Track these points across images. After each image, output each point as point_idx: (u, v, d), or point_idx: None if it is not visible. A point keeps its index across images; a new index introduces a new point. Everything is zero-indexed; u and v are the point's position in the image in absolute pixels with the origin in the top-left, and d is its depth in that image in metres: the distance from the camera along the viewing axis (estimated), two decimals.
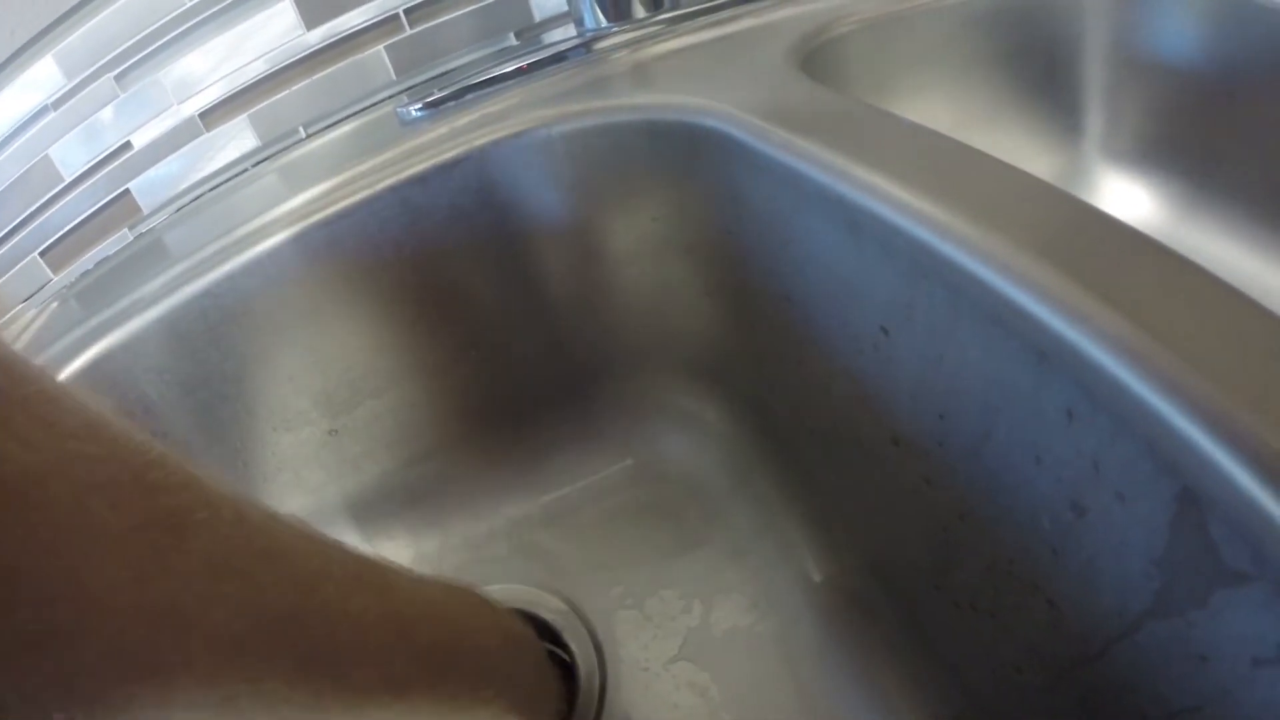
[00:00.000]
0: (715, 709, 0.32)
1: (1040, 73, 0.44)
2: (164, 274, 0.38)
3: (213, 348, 0.36)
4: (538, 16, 0.48)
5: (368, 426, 0.40)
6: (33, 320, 0.46)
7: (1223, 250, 0.40)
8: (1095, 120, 0.45)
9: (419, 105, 0.40)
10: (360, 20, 0.45)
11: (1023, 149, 0.45)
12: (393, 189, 0.36)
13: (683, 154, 0.34)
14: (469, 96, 0.40)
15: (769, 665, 0.32)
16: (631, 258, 0.38)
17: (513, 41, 0.48)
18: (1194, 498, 0.15)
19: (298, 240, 0.36)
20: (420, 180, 0.36)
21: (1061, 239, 0.18)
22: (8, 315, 0.52)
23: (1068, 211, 0.20)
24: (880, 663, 0.31)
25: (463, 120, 0.38)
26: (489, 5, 0.47)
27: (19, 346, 0.44)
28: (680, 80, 0.36)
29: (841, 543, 0.34)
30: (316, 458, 0.39)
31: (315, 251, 0.37)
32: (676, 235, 0.37)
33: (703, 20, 0.41)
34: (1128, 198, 0.44)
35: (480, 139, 0.36)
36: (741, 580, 0.35)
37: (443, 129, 0.38)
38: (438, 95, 0.41)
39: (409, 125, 0.41)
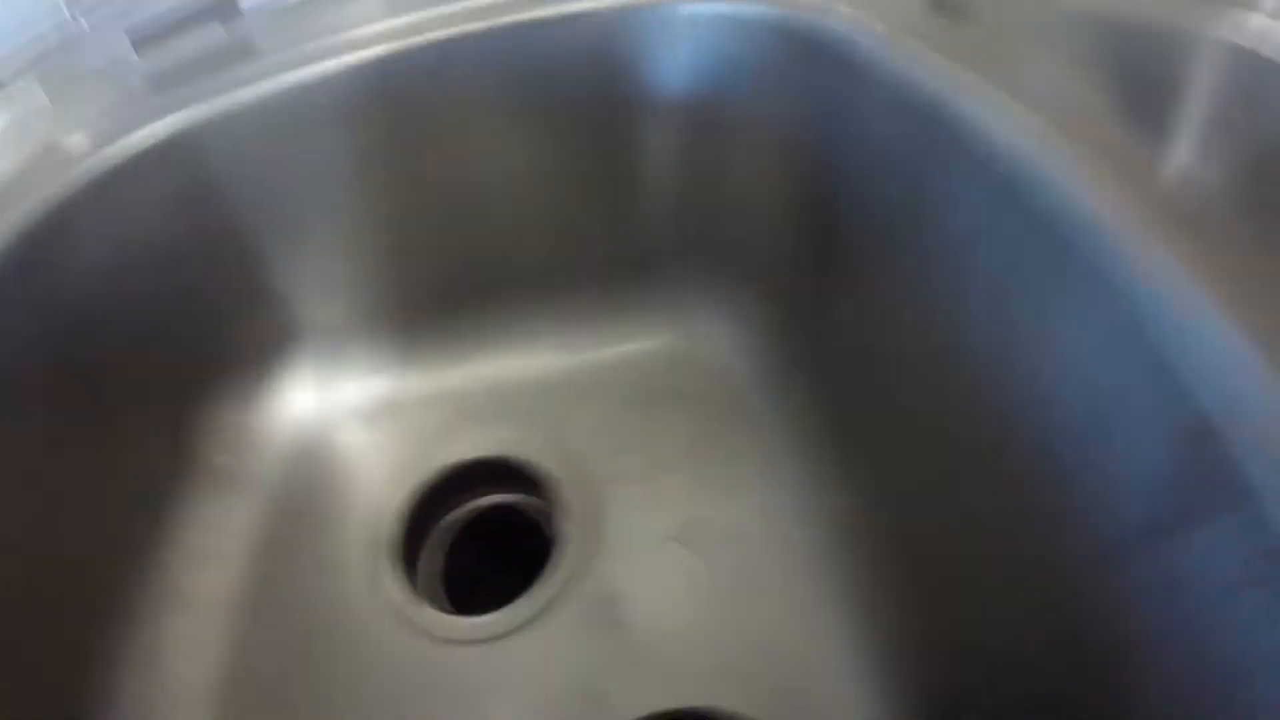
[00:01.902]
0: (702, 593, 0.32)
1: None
2: (251, 65, 0.38)
3: (292, 142, 0.36)
4: None
5: (419, 258, 0.40)
6: (109, 94, 0.46)
7: None
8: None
9: None
10: None
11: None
12: (513, 28, 0.35)
13: (800, 58, 0.32)
14: None
15: (762, 565, 0.32)
16: (725, 149, 0.37)
17: None
18: None
19: (400, 57, 0.36)
20: (542, 25, 0.35)
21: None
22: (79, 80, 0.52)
23: None
24: (870, 592, 0.30)
25: None
26: None
27: (93, 117, 0.45)
28: None
29: (863, 480, 0.33)
30: (373, 269, 0.40)
31: (414, 71, 0.36)
32: (779, 140, 0.35)
33: None
34: None
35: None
36: (758, 483, 0.35)
37: None
38: None
39: None
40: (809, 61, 0.32)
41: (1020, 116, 0.23)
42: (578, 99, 0.36)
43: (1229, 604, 0.16)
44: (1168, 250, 0.18)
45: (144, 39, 0.48)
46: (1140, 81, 0.33)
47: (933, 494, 0.28)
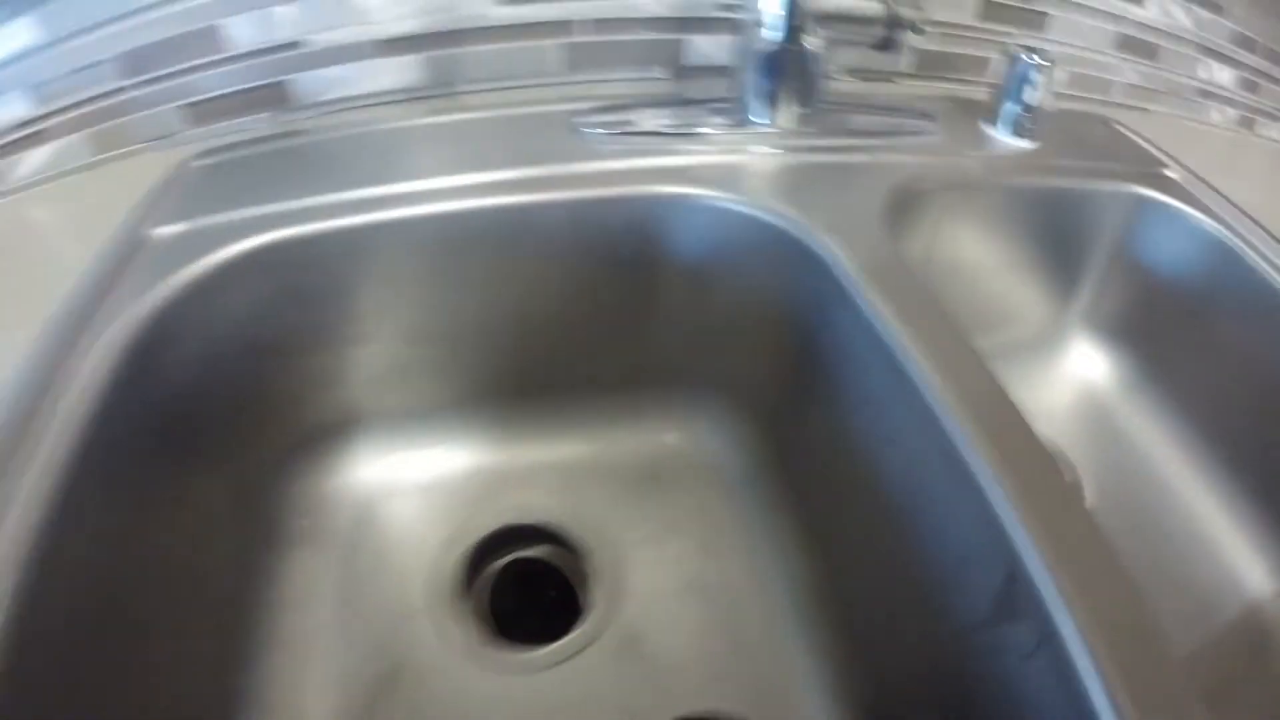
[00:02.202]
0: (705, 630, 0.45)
1: (1056, 244, 0.58)
2: (313, 197, 0.46)
3: (369, 263, 0.46)
4: (686, 61, 0.57)
5: (472, 360, 0.51)
6: (168, 179, 0.52)
7: (1147, 427, 0.57)
8: (1085, 292, 0.60)
9: (602, 129, 0.50)
10: (545, 15, 0.53)
11: (1024, 296, 0.60)
12: (572, 200, 0.46)
13: (795, 257, 0.46)
14: (640, 138, 0.50)
15: (748, 609, 0.46)
16: (726, 300, 0.50)
17: (660, 76, 0.57)
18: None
19: (478, 212, 0.46)
20: (595, 201, 0.46)
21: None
22: (128, 149, 0.56)
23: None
24: (824, 630, 0.45)
25: (639, 163, 0.48)
26: (649, 41, 0.56)
27: (146, 188, 0.50)
28: (803, 195, 0.47)
29: (818, 550, 0.48)
30: (431, 367, 0.50)
31: (487, 224, 0.46)
32: (772, 307, 0.48)
33: (826, 143, 0.52)
34: (1088, 361, 0.61)
35: (653, 187, 0.46)
36: (743, 549, 0.49)
37: (618, 164, 0.48)
38: (618, 126, 0.50)
39: (584, 139, 0.50)
40: (790, 255, 0.45)
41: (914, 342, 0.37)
42: (617, 255, 0.48)
43: (1023, 665, 0.30)
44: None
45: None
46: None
47: (864, 569, 0.43)
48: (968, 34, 0.62)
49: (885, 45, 0.49)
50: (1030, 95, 0.54)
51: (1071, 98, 0.67)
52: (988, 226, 0.55)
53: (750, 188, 0.47)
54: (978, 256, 0.56)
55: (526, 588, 0.49)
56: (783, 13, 0.47)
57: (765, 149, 0.51)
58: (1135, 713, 0.25)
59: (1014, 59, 0.53)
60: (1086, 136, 0.60)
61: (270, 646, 0.44)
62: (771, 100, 0.51)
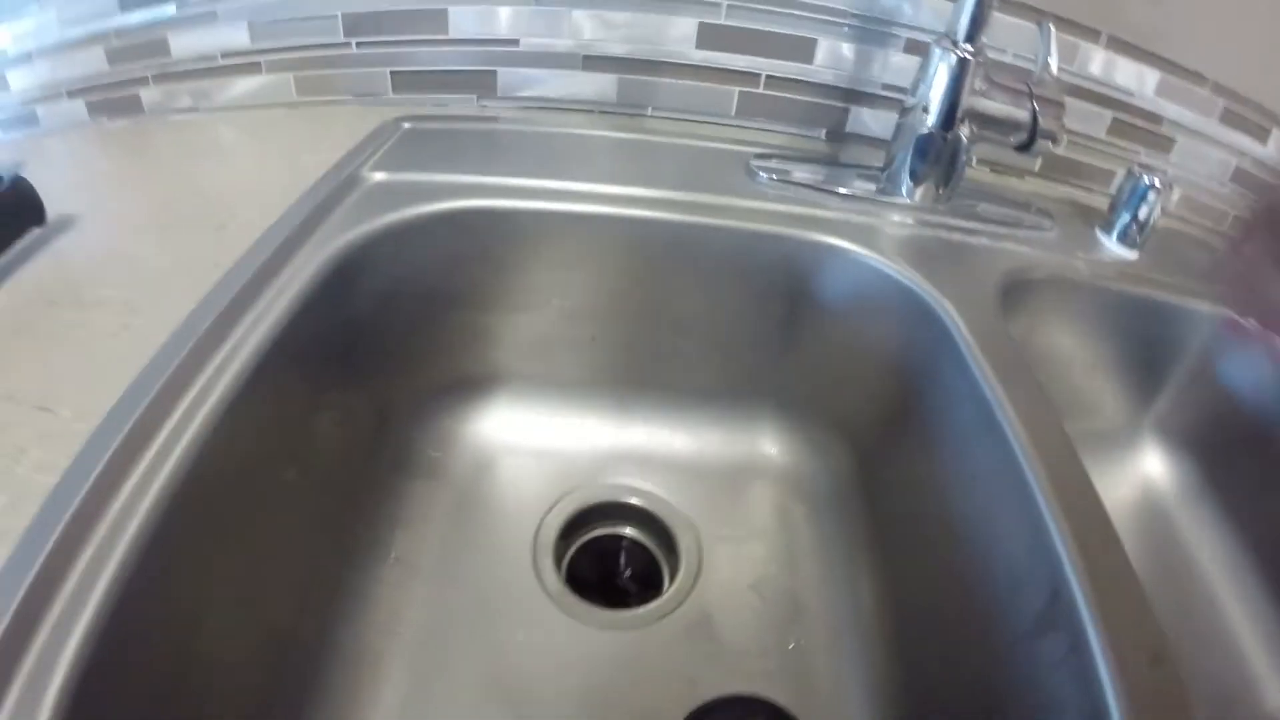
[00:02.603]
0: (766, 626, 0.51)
1: (1143, 350, 0.61)
2: (506, 178, 0.53)
3: (546, 245, 0.53)
4: (849, 129, 0.64)
5: (610, 346, 0.58)
6: (381, 134, 0.59)
7: (1201, 536, 0.60)
8: (1163, 400, 0.64)
9: (768, 173, 0.57)
10: (736, 64, 0.60)
11: (1106, 393, 0.63)
12: (729, 229, 0.52)
13: (917, 314, 0.51)
14: (800, 189, 0.57)
15: (812, 616, 0.51)
16: (844, 335, 0.56)
17: (820, 138, 0.64)
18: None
19: (651, 222, 0.52)
20: (750, 234, 0.53)
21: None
22: (331, 98, 0.64)
23: None
24: (879, 643, 0.50)
25: (795, 209, 0.54)
26: (818, 104, 0.63)
27: (359, 142, 0.58)
28: (929, 263, 0.53)
29: (886, 572, 0.53)
30: (573, 344, 0.57)
31: (640, 233, 0.53)
32: (888, 355, 0.54)
33: (955, 223, 0.58)
34: (1156, 463, 0.64)
35: (806, 233, 0.53)
36: (817, 561, 0.55)
37: (778, 206, 0.54)
38: (782, 173, 0.57)
39: (753, 179, 0.57)
40: (913, 312, 0.51)
41: (1009, 401, 0.43)
42: (762, 284, 0.54)
43: (1056, 670, 0.35)
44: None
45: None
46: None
47: (925, 592, 0.48)
48: (1096, 145, 0.67)
49: (1025, 148, 0.54)
50: (1142, 211, 0.59)
51: (1183, 220, 0.71)
52: (1084, 323, 0.59)
53: (886, 249, 0.53)
54: (1071, 348, 0.60)
55: (615, 558, 0.55)
56: (944, 105, 0.53)
57: (902, 219, 0.57)
58: (1130, 706, 0.30)
59: (1132, 174, 0.58)
60: (1189, 257, 0.65)
61: (378, 556, 0.50)
62: (916, 177, 0.57)
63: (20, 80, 0.63)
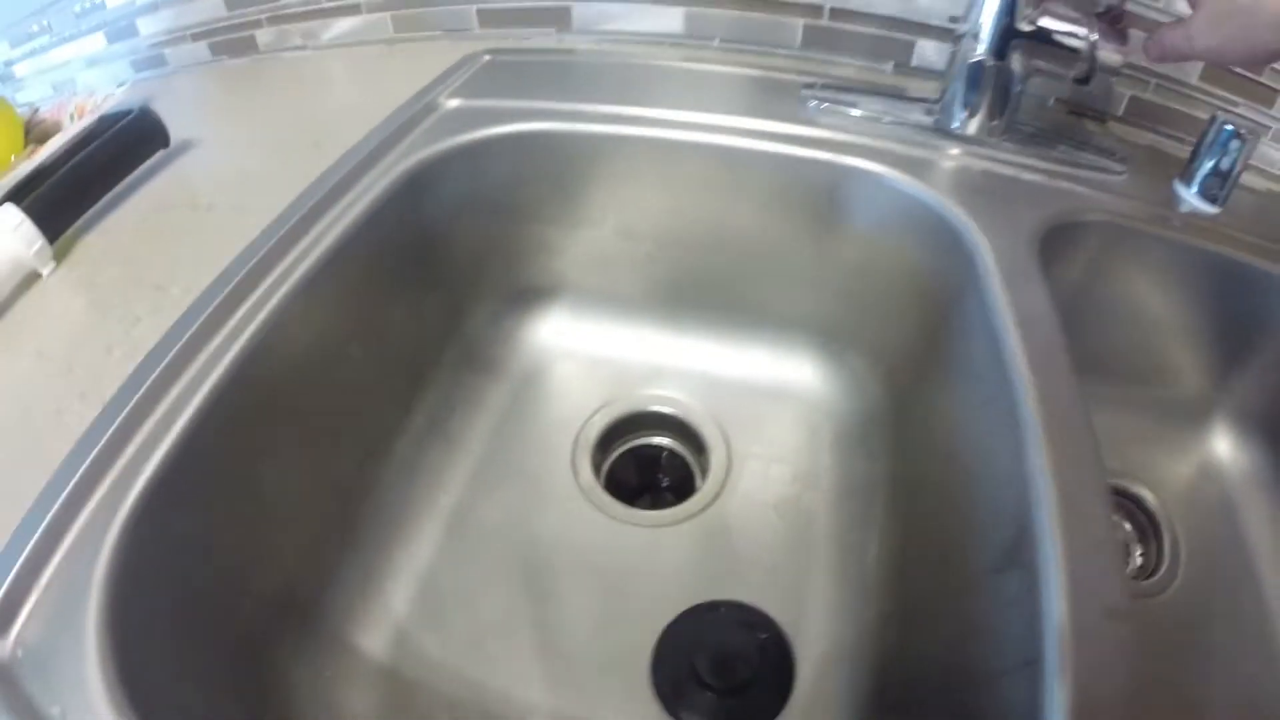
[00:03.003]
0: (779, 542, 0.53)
1: (1222, 316, 0.57)
2: (574, 103, 0.57)
3: (608, 164, 0.57)
4: (914, 62, 0.64)
5: (663, 264, 0.62)
6: (462, 65, 0.64)
7: (1262, 529, 0.57)
8: (1244, 377, 0.59)
9: (820, 101, 0.58)
10: None
11: (1178, 360, 0.60)
12: (778, 155, 0.55)
13: (949, 244, 0.51)
14: (850, 119, 0.58)
15: (822, 533, 0.54)
16: (880, 263, 0.57)
17: (888, 70, 0.65)
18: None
19: (705, 146, 0.55)
20: (796, 160, 0.55)
21: None
22: (425, 34, 0.70)
23: None
24: (874, 566, 0.51)
25: (841, 137, 0.55)
26: (884, 37, 0.63)
27: (439, 68, 0.63)
28: (971, 195, 0.52)
29: (900, 500, 0.54)
30: (630, 261, 0.62)
31: (692, 156, 0.56)
32: (921, 282, 0.55)
33: (1009, 158, 0.56)
34: (1223, 446, 0.60)
35: (846, 158, 0.54)
36: (835, 482, 0.57)
37: (825, 133, 0.56)
38: (836, 102, 0.58)
39: (806, 109, 0.59)
40: (945, 241, 0.51)
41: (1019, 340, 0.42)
42: (804, 207, 0.56)
43: (1011, 608, 0.35)
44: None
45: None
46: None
47: (928, 521, 0.49)
48: (1186, 91, 0.63)
49: (1083, 80, 0.52)
50: (1225, 161, 0.54)
51: None
52: (1153, 277, 0.56)
53: (927, 177, 0.53)
54: (1137, 304, 0.58)
55: (653, 465, 0.59)
56: (995, 31, 0.52)
57: (950, 149, 0.56)
58: (1074, 655, 0.30)
59: (1214, 120, 0.54)
60: None
61: (434, 435, 0.57)
62: (970, 108, 0.56)
63: (149, 26, 0.72)
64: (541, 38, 0.68)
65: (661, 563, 0.52)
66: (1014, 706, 0.33)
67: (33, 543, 0.35)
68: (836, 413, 0.60)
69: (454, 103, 0.59)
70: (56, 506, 0.36)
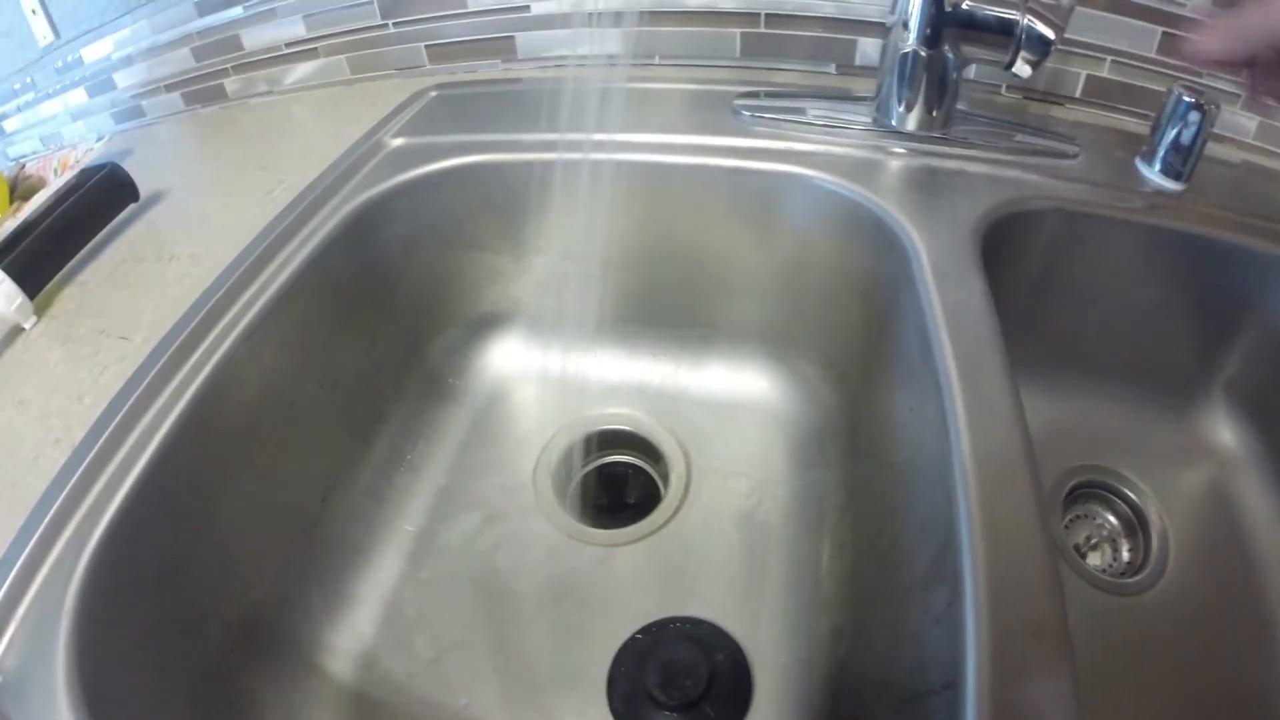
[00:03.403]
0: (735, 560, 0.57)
1: (1202, 298, 0.58)
2: (514, 134, 0.63)
3: (521, 194, 0.62)
4: (858, 61, 0.68)
5: (621, 282, 0.66)
6: (410, 102, 0.70)
7: (1257, 510, 0.58)
8: (1231, 357, 0.60)
9: (752, 112, 0.62)
10: (730, 6, 0.66)
11: (1159, 345, 0.61)
12: (719, 168, 0.59)
13: (885, 242, 0.54)
14: (785, 125, 0.62)
15: (780, 549, 0.57)
16: (827, 276, 0.60)
17: (831, 72, 0.69)
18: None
19: (641, 165, 0.60)
20: (736, 171, 0.59)
21: None
22: (380, 73, 0.76)
23: None
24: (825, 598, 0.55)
25: (772, 145, 0.59)
26: (823, 39, 0.67)
27: (389, 107, 0.69)
28: (907, 191, 0.55)
29: (855, 507, 0.57)
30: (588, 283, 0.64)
31: (630, 176, 0.60)
32: (864, 284, 0.58)
33: (945, 151, 0.59)
34: (1217, 427, 0.61)
35: (775, 165, 0.58)
36: (792, 494, 0.60)
37: (760, 143, 0.60)
38: (770, 111, 0.62)
39: (740, 119, 0.63)
40: (881, 240, 0.54)
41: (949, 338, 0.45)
42: (740, 217, 0.60)
43: (936, 624, 0.36)
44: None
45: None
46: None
47: (871, 530, 0.52)
48: (1145, 66, 0.63)
49: (1010, 64, 0.52)
50: (1185, 135, 0.54)
51: (1266, 152, 0.64)
52: (1122, 262, 0.57)
53: (862, 178, 0.57)
54: (1110, 291, 0.59)
55: (620, 483, 0.64)
56: (923, 19, 0.53)
57: (889, 147, 0.59)
58: (993, 679, 0.30)
59: (1171, 93, 0.54)
60: (1258, 192, 0.58)
61: (396, 464, 0.63)
62: (906, 102, 0.59)
63: (125, 79, 0.79)
64: (488, 69, 0.73)
65: (620, 581, 0.56)
66: None
67: (9, 579, 0.41)
68: (792, 421, 0.64)
69: (398, 141, 0.64)
70: (31, 544, 0.42)
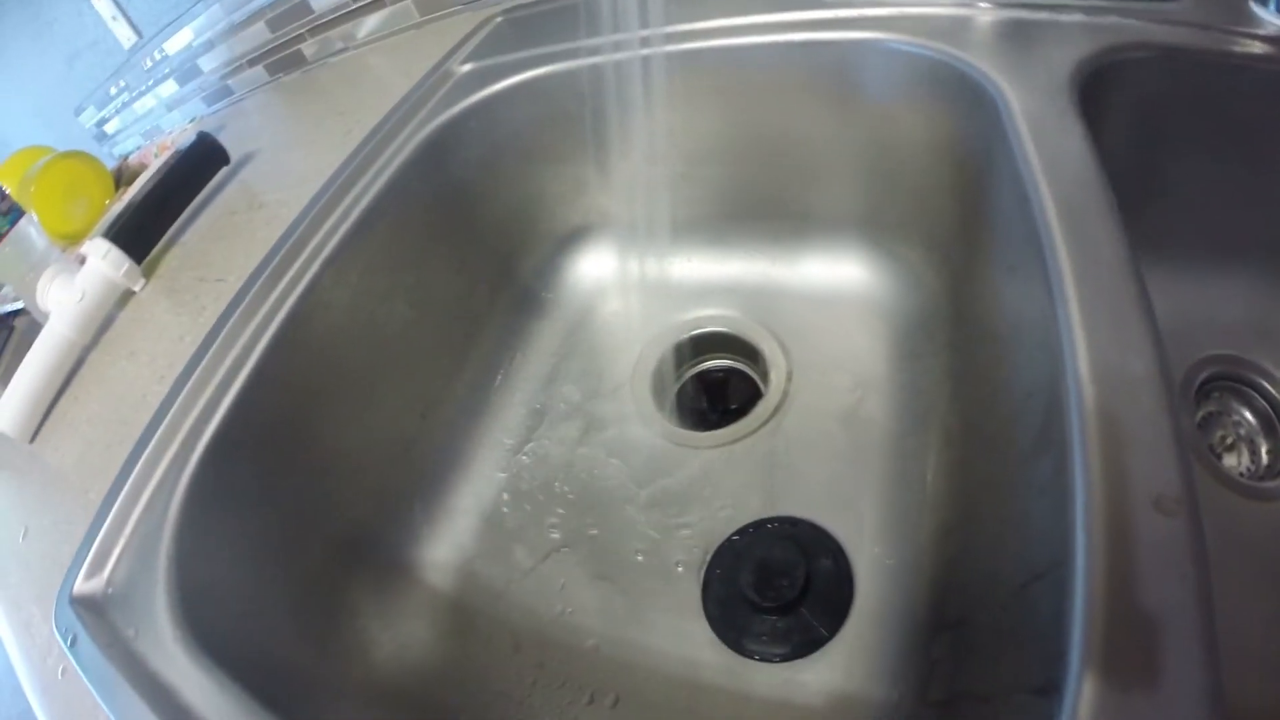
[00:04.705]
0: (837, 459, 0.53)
1: None
2: (581, 40, 0.60)
3: (591, 100, 0.59)
4: None
5: (702, 182, 0.63)
6: (477, 30, 0.69)
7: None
8: None
9: None
10: None
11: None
12: (786, 46, 0.55)
13: (973, 102, 0.49)
14: None
15: (883, 451, 0.53)
16: (913, 147, 0.55)
17: None
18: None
19: (710, 51, 0.57)
20: (805, 48, 0.55)
21: None
22: (447, 10, 0.76)
23: None
24: (929, 460, 0.50)
25: (846, 13, 0.55)
26: None
27: (463, 45, 0.68)
28: (997, 46, 0.50)
29: (957, 393, 0.53)
30: (670, 187, 0.63)
31: (717, 60, 0.57)
32: (954, 150, 0.53)
33: (1034, 2, 0.52)
34: None
35: (854, 33, 0.53)
36: (895, 389, 0.56)
37: (834, 13, 0.55)
38: None
39: None
40: (969, 100, 0.49)
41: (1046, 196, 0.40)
42: (820, 92, 0.56)
43: (1041, 497, 0.33)
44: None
45: None
46: None
47: (978, 409, 0.47)
48: None
49: None
50: None
51: None
52: (1246, 117, 0.50)
53: (942, 35, 0.51)
54: (1235, 152, 0.52)
55: (718, 387, 0.61)
56: None
57: (971, 3, 0.53)
58: (1107, 555, 0.25)
59: None
60: None
61: (491, 380, 0.62)
62: None
63: (209, 62, 0.82)
64: None
65: (719, 483, 0.54)
66: (1040, 621, 0.29)
67: (118, 501, 0.43)
68: (895, 310, 0.59)
69: (466, 68, 0.63)
70: (136, 469, 0.44)
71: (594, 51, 0.60)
